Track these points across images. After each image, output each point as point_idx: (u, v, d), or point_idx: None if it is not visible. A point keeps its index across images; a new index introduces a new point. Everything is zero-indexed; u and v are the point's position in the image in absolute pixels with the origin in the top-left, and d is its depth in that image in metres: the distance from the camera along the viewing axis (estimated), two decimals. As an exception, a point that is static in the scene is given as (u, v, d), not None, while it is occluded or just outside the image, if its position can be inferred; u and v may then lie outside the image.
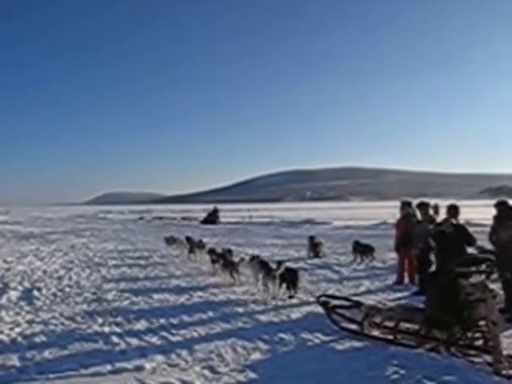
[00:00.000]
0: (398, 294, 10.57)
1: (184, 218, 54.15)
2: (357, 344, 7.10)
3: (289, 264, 11.83)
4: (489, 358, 6.05)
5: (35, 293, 11.23)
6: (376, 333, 7.47)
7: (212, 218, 43.91)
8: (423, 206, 11.25)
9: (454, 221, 8.53)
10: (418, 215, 11.65)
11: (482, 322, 6.49)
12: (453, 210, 8.44)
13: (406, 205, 12.39)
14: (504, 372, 5.68)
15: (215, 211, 45.27)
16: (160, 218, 57.36)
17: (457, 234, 8.24)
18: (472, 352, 6.42)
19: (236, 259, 12.97)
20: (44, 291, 11.46)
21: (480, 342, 6.61)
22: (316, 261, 16.45)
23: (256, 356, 6.71)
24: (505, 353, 6.04)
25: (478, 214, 36.47)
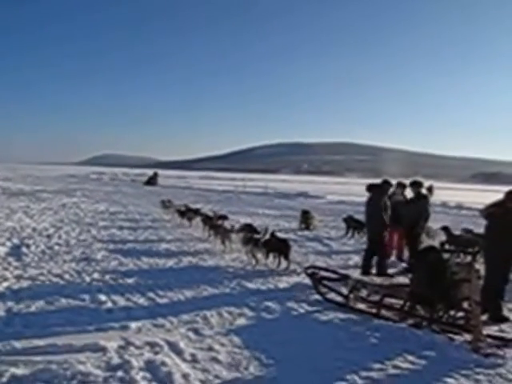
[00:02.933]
0: (388, 270, 10.63)
1: (133, 180, 60.41)
2: (341, 316, 7.20)
3: (280, 235, 11.88)
4: (469, 337, 6.17)
5: (24, 249, 11.23)
6: (361, 306, 7.56)
7: (152, 181, 51.58)
8: (415, 185, 11.22)
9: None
10: (411, 194, 11.61)
11: (465, 302, 6.61)
12: (508, 196, 7.95)
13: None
14: (482, 350, 5.80)
15: (155, 175, 53.46)
16: (113, 180, 63.27)
17: (491, 221, 7.81)
18: (453, 330, 6.52)
19: (229, 226, 13.01)
20: (33, 248, 11.47)
21: (462, 321, 6.72)
22: (306, 233, 16.53)
23: (241, 321, 6.81)
24: (484, 332, 6.17)
25: (469, 197, 36.76)
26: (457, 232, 13.54)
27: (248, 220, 16.51)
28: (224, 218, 15.00)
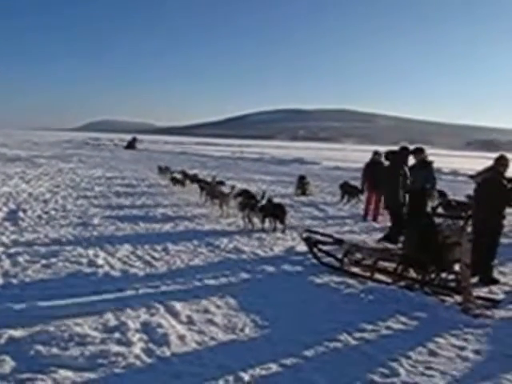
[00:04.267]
0: (380, 235, 10.73)
1: (115, 145, 63.16)
2: (336, 279, 7.30)
3: (276, 200, 11.96)
4: (459, 298, 6.30)
5: (20, 214, 11.25)
6: (355, 269, 7.66)
7: (132, 145, 54.54)
8: (418, 152, 11.09)
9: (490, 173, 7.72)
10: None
11: (456, 265, 6.72)
12: (501, 161, 7.90)
13: (375, 154, 13.53)
14: (471, 311, 5.92)
15: (134, 140, 56.38)
16: (98, 145, 64.51)
17: (488, 187, 7.65)
18: (444, 291, 6.64)
19: (227, 191, 13.06)
20: (29, 213, 11.50)
21: (453, 284, 6.84)
22: (302, 198, 16.61)
23: (237, 284, 6.89)
24: (474, 294, 6.30)
25: (465, 164, 36.80)
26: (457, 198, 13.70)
27: (244, 186, 16.54)
28: (221, 183, 15.04)
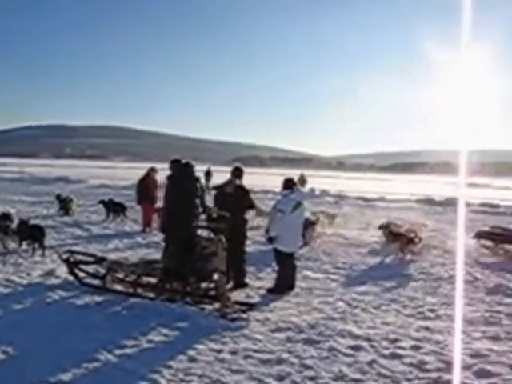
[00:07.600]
0: (145, 251, 10.84)
1: None
2: (98, 298, 7.14)
3: (36, 222, 11.25)
4: (218, 305, 6.69)
5: None
6: (118, 287, 7.59)
7: None
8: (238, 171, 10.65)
9: (237, 182, 8.40)
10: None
11: (215, 273, 7.13)
12: (237, 172, 8.61)
13: (151, 170, 14.73)
14: (229, 316, 6.35)
15: None
16: None
17: (236, 196, 8.23)
18: (204, 300, 6.98)
19: None
20: None
21: (213, 292, 7.23)
22: (66, 219, 15.83)
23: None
24: (233, 299, 6.77)
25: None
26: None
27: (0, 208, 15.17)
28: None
